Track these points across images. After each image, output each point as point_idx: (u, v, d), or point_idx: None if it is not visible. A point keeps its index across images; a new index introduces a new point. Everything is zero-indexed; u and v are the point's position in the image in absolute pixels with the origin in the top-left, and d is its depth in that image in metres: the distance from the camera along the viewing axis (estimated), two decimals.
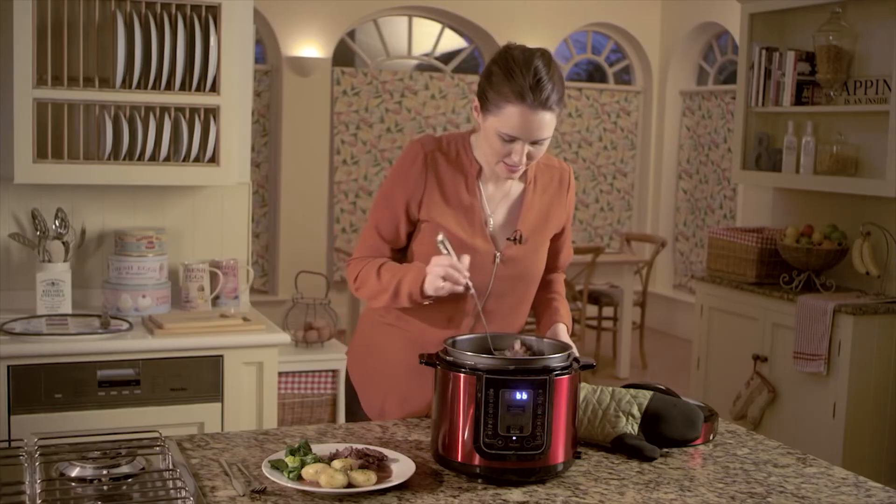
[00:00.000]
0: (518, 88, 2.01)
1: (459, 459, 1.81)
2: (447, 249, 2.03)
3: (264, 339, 3.17)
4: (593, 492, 1.78)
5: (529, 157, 2.09)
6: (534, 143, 2.07)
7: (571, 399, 1.82)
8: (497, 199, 2.22)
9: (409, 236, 2.24)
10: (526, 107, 2.01)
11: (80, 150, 3.23)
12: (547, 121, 2.04)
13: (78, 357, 2.95)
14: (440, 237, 2.04)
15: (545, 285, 2.39)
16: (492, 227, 2.20)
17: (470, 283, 2.02)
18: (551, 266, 2.38)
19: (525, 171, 2.22)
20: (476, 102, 2.12)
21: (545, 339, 2.02)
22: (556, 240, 2.33)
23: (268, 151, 7.59)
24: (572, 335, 2.28)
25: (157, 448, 1.83)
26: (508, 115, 2.03)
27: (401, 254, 2.26)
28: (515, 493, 1.76)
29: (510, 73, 2.03)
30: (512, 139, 2.06)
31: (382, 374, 2.30)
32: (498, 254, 2.19)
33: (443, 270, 2.02)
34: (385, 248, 2.23)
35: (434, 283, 2.04)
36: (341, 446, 1.86)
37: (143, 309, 3.31)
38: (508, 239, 2.20)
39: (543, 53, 2.07)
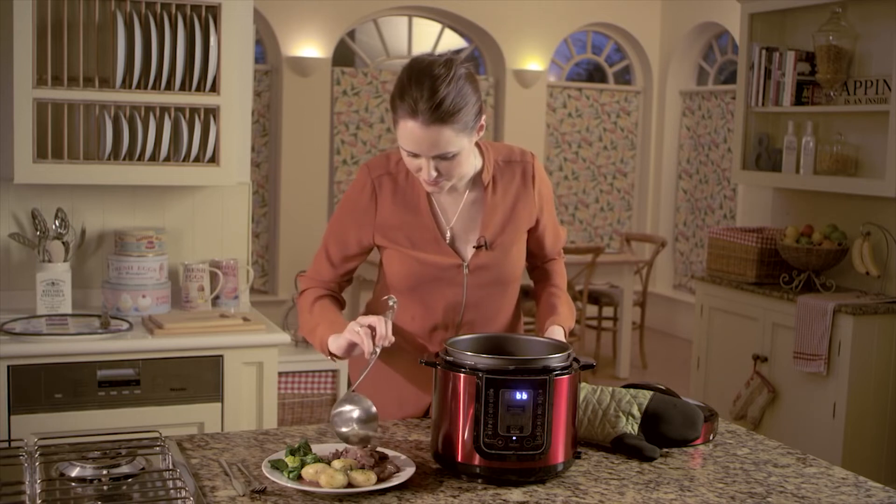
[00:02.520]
0: (410, 103, 1.93)
1: (459, 459, 1.81)
2: (389, 314, 2.00)
3: (264, 339, 3.17)
4: (593, 492, 1.78)
5: (442, 173, 2.01)
6: (441, 158, 1.98)
7: (571, 399, 1.82)
8: (454, 210, 2.15)
9: (360, 258, 2.23)
10: (418, 123, 1.93)
11: (80, 150, 3.23)
12: (446, 136, 1.94)
13: (78, 357, 2.95)
14: (392, 301, 2.02)
15: (544, 276, 2.34)
16: (450, 238, 2.14)
17: (377, 352, 1.96)
18: (542, 255, 2.32)
19: (481, 174, 2.14)
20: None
21: (540, 339, 2.02)
22: (534, 231, 2.24)
23: (268, 151, 7.59)
24: (572, 335, 2.26)
25: (157, 448, 1.83)
26: (404, 131, 1.96)
27: (348, 277, 2.26)
28: (515, 493, 1.76)
29: (404, 87, 1.95)
30: (415, 155, 1.99)
31: (379, 377, 2.30)
32: (465, 263, 2.14)
33: (356, 336, 1.97)
34: (330, 272, 2.23)
35: (338, 342, 2.04)
36: (341, 446, 1.86)
37: (143, 309, 3.31)
38: (475, 247, 2.14)
39: (448, 62, 1.96)
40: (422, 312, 2.18)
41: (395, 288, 2.18)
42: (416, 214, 2.13)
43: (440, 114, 1.92)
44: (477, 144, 2.15)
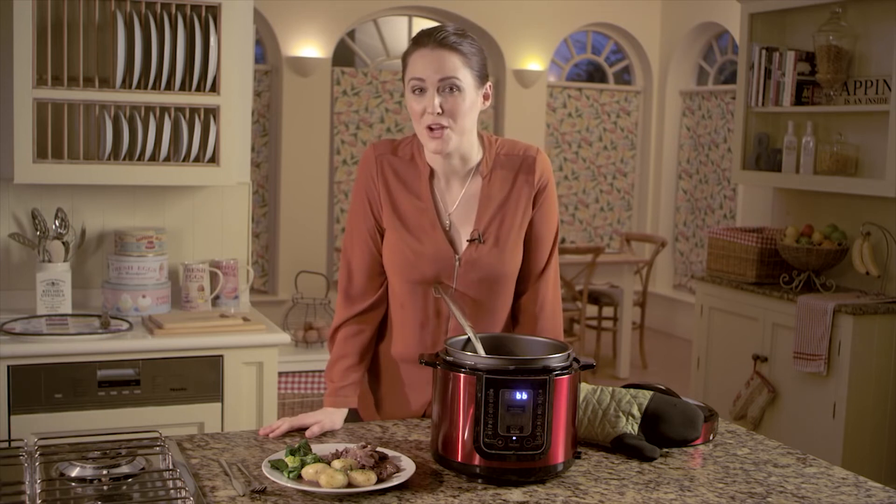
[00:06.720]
0: (418, 38, 2.06)
1: (459, 459, 1.81)
2: (449, 303, 1.98)
3: (264, 339, 3.17)
4: (593, 492, 1.78)
5: (445, 111, 2.01)
6: (445, 89, 2.00)
7: (571, 399, 1.82)
8: (454, 199, 2.14)
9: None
10: (425, 49, 2.03)
11: (80, 150, 3.23)
12: (452, 62, 2.01)
13: (78, 357, 2.95)
14: (435, 291, 2.01)
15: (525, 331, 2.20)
16: (450, 227, 2.12)
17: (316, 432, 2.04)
18: (525, 270, 2.18)
19: (480, 165, 2.13)
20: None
21: (540, 339, 2.02)
22: (529, 230, 2.15)
23: (268, 151, 7.59)
24: (572, 334, 2.26)
25: (157, 448, 1.83)
26: (411, 64, 2.05)
27: (377, 292, 2.22)
28: (515, 493, 1.76)
29: (412, 38, 2.08)
30: (421, 89, 2.02)
31: (377, 378, 2.30)
32: (458, 256, 2.11)
33: (297, 423, 2.06)
34: (357, 290, 2.22)
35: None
36: (341, 446, 1.86)
37: (143, 309, 3.31)
38: (468, 240, 2.11)
39: (459, 27, 2.10)
40: (411, 302, 2.16)
41: (390, 274, 2.17)
42: (418, 199, 2.13)
43: (447, 41, 2.02)
44: (480, 136, 2.14)
